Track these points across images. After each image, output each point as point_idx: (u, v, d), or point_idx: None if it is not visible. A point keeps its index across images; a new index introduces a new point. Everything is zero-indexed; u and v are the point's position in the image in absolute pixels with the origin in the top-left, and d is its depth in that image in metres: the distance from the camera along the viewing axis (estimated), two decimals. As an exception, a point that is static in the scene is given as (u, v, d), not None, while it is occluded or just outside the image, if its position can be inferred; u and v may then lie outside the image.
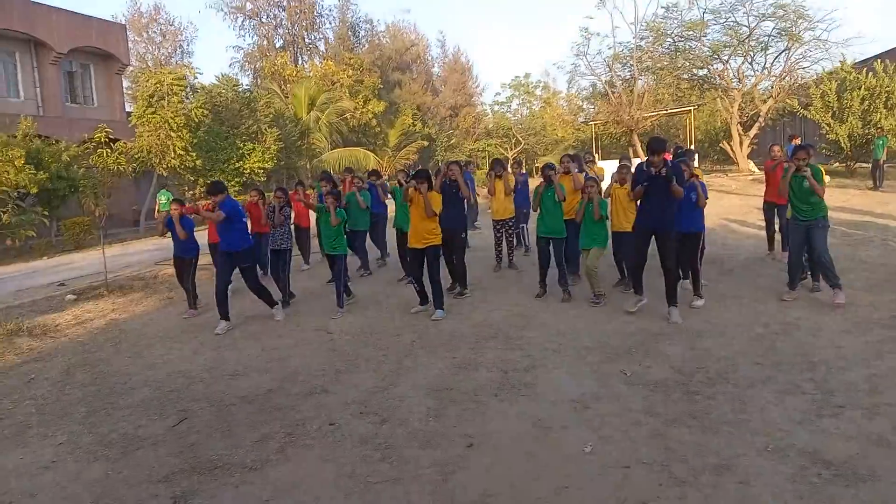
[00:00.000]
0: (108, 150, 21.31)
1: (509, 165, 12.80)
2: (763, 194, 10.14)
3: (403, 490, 3.79)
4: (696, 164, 9.65)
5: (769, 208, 9.82)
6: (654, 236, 6.98)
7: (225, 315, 7.83)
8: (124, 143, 22.29)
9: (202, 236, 9.33)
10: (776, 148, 10.03)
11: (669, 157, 7.49)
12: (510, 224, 10.55)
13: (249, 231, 8.60)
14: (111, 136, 22.01)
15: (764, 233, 10.29)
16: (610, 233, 8.19)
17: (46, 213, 17.96)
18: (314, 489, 3.87)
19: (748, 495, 3.50)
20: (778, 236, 9.82)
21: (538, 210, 8.30)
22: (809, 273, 7.84)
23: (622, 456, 4.03)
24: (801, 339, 6.07)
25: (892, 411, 4.41)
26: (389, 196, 11.84)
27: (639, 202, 7.24)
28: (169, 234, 8.75)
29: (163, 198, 19.26)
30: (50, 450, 4.70)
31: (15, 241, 16.44)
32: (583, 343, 6.37)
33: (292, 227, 10.26)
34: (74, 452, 4.63)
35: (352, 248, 10.66)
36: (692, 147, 26.33)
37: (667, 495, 3.56)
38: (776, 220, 9.70)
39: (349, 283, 8.91)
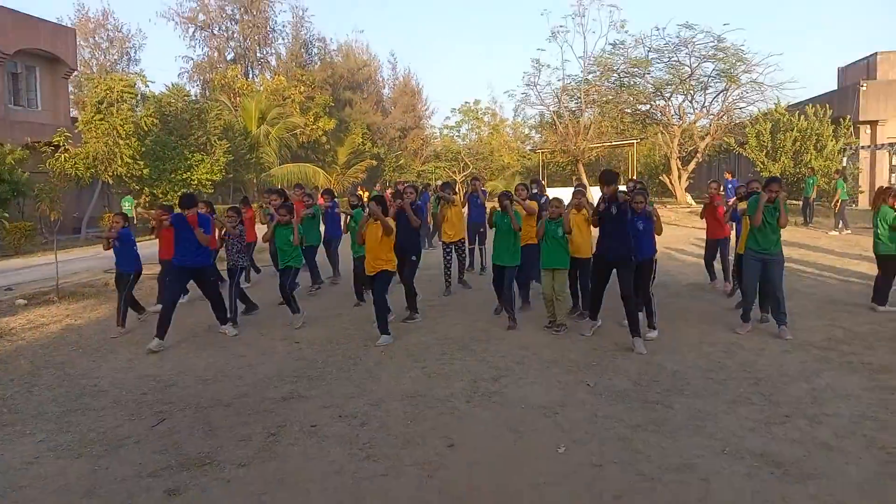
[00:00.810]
0: (67, 155, 20.78)
1: (472, 182, 12.87)
2: (705, 231, 10.35)
3: (391, 485, 4.00)
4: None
5: (711, 245, 10.13)
6: (611, 265, 7.14)
7: (162, 333, 7.36)
8: (67, 148, 21.76)
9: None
10: (714, 185, 10.39)
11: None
12: (461, 245, 10.68)
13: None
14: (52, 143, 21.51)
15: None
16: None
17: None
18: (304, 483, 4.03)
19: (710, 490, 3.85)
20: (718, 266, 10.23)
21: (495, 234, 8.27)
22: (759, 306, 7.91)
23: (593, 456, 4.33)
24: (746, 358, 6.53)
25: (832, 420, 4.85)
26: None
27: (598, 233, 7.35)
28: (112, 247, 8.32)
29: (126, 204, 18.94)
30: (30, 447, 4.71)
31: None
32: (545, 356, 6.69)
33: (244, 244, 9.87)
34: (56, 450, 4.65)
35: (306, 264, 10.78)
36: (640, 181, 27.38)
37: (637, 489, 3.87)
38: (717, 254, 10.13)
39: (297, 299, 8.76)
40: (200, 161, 25.51)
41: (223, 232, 9.05)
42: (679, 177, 30.91)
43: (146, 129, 23.32)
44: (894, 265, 8.31)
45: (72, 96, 34.08)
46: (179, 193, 24.14)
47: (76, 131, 22.63)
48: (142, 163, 22.73)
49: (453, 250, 10.56)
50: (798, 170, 23.21)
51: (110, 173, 21.95)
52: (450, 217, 10.45)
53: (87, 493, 4.00)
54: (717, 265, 10.29)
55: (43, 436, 4.92)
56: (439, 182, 14.79)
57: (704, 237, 10.47)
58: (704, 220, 10.21)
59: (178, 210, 7.91)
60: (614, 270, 7.15)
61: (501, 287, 8.29)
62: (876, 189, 9.93)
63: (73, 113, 31.00)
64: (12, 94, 26.37)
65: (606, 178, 7.03)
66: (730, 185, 20.06)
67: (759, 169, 24.48)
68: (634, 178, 20.10)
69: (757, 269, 7.40)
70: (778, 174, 23.21)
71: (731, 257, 9.63)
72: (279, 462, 4.35)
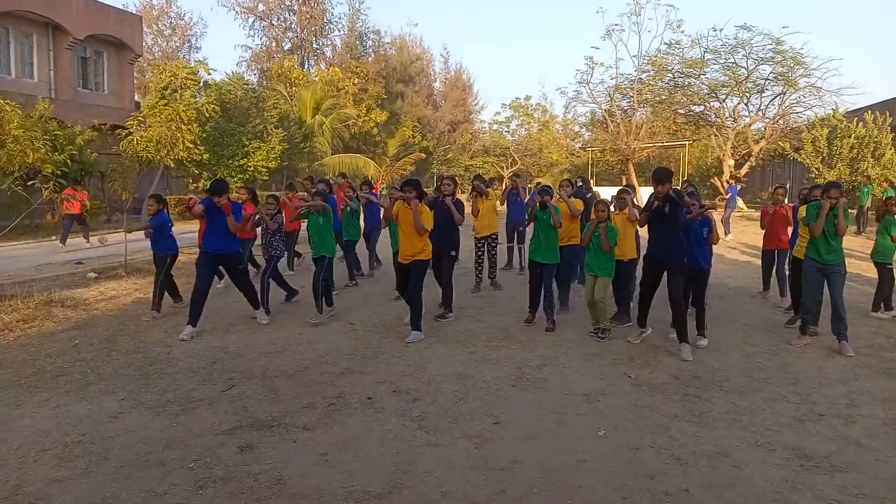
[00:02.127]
0: (140, 137, 21.69)
1: (512, 179, 12.71)
2: (762, 241, 9.84)
3: (442, 454, 4.35)
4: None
5: (769, 255, 9.63)
6: (663, 267, 6.90)
7: (195, 320, 7.37)
8: (131, 132, 22.69)
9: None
10: (781, 191, 9.69)
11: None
12: (493, 241, 10.23)
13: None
14: (119, 125, 22.49)
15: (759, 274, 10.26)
16: None
17: (57, 193, 18.33)
18: (365, 447, 4.41)
19: (741, 476, 4.09)
20: (774, 279, 9.73)
21: (532, 224, 8.06)
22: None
23: (631, 440, 4.61)
24: (787, 360, 6.68)
25: (865, 421, 5.02)
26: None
27: (648, 233, 7.05)
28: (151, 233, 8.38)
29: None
30: (114, 404, 5.20)
31: (55, 216, 16.88)
32: (588, 349, 6.95)
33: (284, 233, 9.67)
34: (137, 407, 5.13)
35: (344, 258, 10.89)
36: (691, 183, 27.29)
37: (672, 472, 4.14)
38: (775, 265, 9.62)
39: (333, 293, 8.59)
40: (257, 148, 26.28)
41: (256, 218, 8.99)
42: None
43: (207, 115, 24.12)
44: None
45: (135, 81, 35.34)
46: (236, 179, 25.10)
47: (142, 116, 23.58)
48: (202, 148, 23.52)
49: (485, 246, 10.17)
50: (854, 178, 22.82)
51: (172, 157, 22.79)
52: (483, 210, 10.07)
53: (168, 444, 4.44)
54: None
55: (124, 394, 5.41)
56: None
57: (751, 241, 10.37)
58: (764, 228, 9.52)
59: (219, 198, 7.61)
60: (664, 274, 6.91)
61: (537, 291, 7.94)
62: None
63: (136, 97, 32.20)
64: (81, 78, 27.57)
65: (660, 176, 6.73)
66: (731, 192, 19.96)
67: (814, 175, 24.13)
68: (686, 180, 20.03)
69: (818, 281, 7.08)
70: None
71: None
72: (340, 427, 4.75)
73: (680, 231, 6.82)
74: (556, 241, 7.86)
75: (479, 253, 10.20)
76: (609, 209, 7.51)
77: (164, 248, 8.43)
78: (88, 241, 16.11)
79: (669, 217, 6.73)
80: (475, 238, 10.23)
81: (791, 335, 7.48)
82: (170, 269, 8.56)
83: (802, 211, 7.73)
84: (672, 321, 7.02)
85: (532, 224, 8.09)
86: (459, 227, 8.42)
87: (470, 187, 10.60)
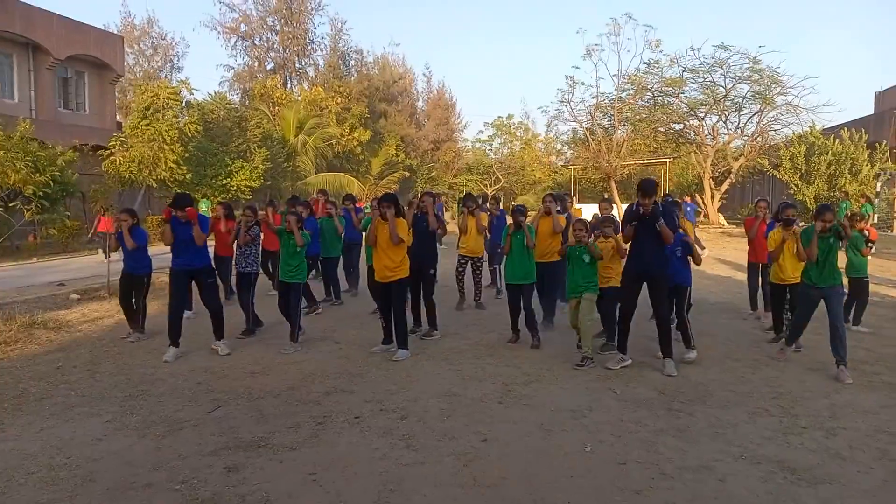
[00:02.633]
0: (122, 157, 21.66)
1: (488, 202, 12.51)
2: (747, 254, 9.66)
3: (429, 472, 4.35)
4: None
5: (754, 269, 9.44)
6: (645, 282, 6.78)
7: (174, 340, 7.23)
8: (112, 152, 22.61)
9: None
10: (763, 204, 9.48)
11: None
12: (478, 262, 10.25)
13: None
14: (100, 146, 22.44)
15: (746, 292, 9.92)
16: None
17: (38, 214, 18.22)
18: (351, 466, 4.41)
19: (725, 489, 4.14)
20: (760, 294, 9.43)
21: (509, 252, 7.93)
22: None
23: (617, 455, 4.64)
24: (769, 374, 6.76)
25: (848, 434, 5.09)
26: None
27: (629, 247, 6.92)
28: (119, 246, 8.26)
29: (203, 206, 19.66)
30: (99, 426, 5.16)
31: (36, 237, 16.75)
32: (572, 365, 6.99)
33: (260, 249, 9.49)
34: (122, 429, 5.09)
35: (325, 276, 10.79)
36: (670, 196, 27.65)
37: (658, 486, 4.17)
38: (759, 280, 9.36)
39: (317, 312, 8.37)
40: (240, 168, 26.29)
41: (235, 233, 8.69)
42: (712, 197, 30.97)
43: (189, 135, 24.13)
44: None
45: (116, 101, 35.25)
46: (219, 198, 25.03)
47: (124, 136, 23.53)
48: (184, 168, 23.51)
49: (468, 265, 10.17)
50: (832, 194, 23.17)
51: (154, 177, 22.73)
52: (472, 230, 10.03)
53: (154, 467, 4.41)
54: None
55: (109, 416, 5.37)
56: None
57: (730, 257, 10.36)
58: (750, 243, 9.40)
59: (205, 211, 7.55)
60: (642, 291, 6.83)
61: (517, 312, 7.92)
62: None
63: (118, 118, 32.09)
64: (62, 98, 27.47)
65: (646, 188, 6.46)
66: (688, 209, 20.04)
67: (792, 192, 24.48)
68: (667, 193, 20.25)
69: (813, 304, 6.94)
70: (811, 197, 23.20)
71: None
72: (327, 447, 4.74)
73: (663, 245, 6.64)
74: (530, 261, 7.83)
75: (461, 269, 10.18)
76: (586, 230, 7.28)
77: (141, 266, 8.19)
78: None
79: (653, 229, 6.49)
80: (459, 255, 10.18)
81: (774, 349, 7.56)
82: (147, 292, 8.36)
83: (775, 235, 7.65)
84: (659, 338, 6.86)
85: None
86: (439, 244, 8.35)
87: (458, 205, 10.38)
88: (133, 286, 8.24)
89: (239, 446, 4.74)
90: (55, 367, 6.83)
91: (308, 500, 3.96)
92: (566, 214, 9.59)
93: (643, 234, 6.63)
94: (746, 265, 9.77)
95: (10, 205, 14.75)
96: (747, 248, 9.62)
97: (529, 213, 8.42)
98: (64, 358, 7.20)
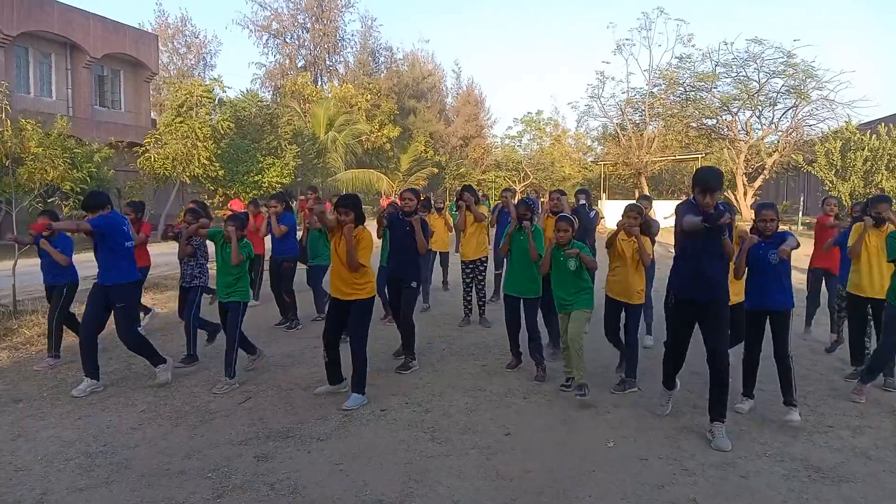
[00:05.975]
0: (156, 155, 22.08)
1: (516, 197, 10.28)
2: (810, 258, 8.14)
3: (453, 464, 4.44)
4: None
5: (818, 277, 7.93)
6: (696, 309, 4.88)
7: (91, 371, 5.92)
8: (147, 149, 23.06)
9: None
10: (833, 202, 8.00)
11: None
12: (482, 266, 8.80)
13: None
14: (135, 143, 22.93)
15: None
16: (605, 298, 6.20)
17: (76, 210, 18.66)
18: (377, 457, 4.52)
19: (748, 486, 4.16)
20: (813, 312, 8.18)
21: (508, 255, 6.61)
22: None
23: (640, 451, 4.68)
24: (798, 373, 6.69)
25: (874, 433, 5.07)
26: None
27: (674, 261, 5.08)
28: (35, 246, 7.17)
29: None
30: (134, 416, 5.33)
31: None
32: (599, 362, 6.99)
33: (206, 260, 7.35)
34: (156, 419, 5.26)
35: (310, 286, 9.18)
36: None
37: (680, 482, 4.21)
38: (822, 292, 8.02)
39: (247, 339, 6.62)
40: (271, 164, 26.61)
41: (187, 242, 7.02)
42: (745, 193, 30.56)
43: (222, 132, 24.51)
44: None
45: (151, 99, 35.91)
46: (250, 195, 25.38)
47: (157, 133, 23.98)
48: (217, 164, 23.88)
49: (473, 273, 8.76)
50: (868, 190, 22.74)
51: (188, 174, 23.14)
52: (470, 229, 8.74)
53: (188, 454, 4.56)
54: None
55: (144, 406, 5.55)
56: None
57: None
58: (820, 243, 7.77)
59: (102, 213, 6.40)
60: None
61: (516, 329, 6.52)
62: None
63: (152, 115, 32.71)
64: (98, 96, 28.05)
65: (706, 180, 4.58)
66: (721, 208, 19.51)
67: (827, 188, 24.08)
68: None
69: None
70: (847, 194, 22.78)
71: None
72: (354, 438, 4.85)
73: (722, 260, 4.81)
74: (535, 267, 6.27)
75: (468, 281, 8.76)
76: (573, 228, 5.93)
77: (55, 274, 7.26)
78: None
79: (711, 240, 4.64)
80: (462, 262, 8.87)
81: (850, 387, 6.09)
82: (69, 304, 7.28)
83: (857, 228, 6.31)
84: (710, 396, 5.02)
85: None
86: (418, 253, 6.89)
87: (466, 198, 8.84)
88: (52, 298, 7.20)
89: (269, 436, 4.88)
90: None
91: (335, 489, 4.07)
92: (591, 213, 8.66)
93: (698, 245, 4.73)
94: (807, 271, 8.24)
95: (49, 200, 15.05)
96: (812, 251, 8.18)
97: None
98: (101, 349, 7.38)
